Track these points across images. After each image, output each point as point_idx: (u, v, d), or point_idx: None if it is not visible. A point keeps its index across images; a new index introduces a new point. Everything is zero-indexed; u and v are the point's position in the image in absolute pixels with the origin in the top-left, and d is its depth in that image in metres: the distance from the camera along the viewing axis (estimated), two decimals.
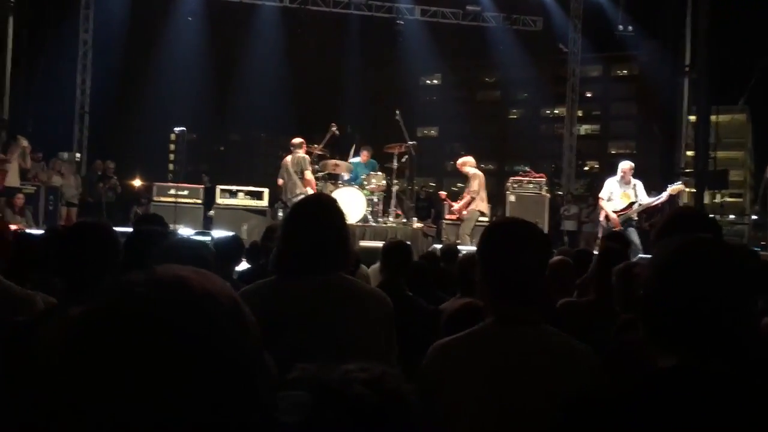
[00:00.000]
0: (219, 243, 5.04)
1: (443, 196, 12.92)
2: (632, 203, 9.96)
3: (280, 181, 11.15)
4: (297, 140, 11.19)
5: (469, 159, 11.31)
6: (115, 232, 2.42)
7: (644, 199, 10.01)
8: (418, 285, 4.39)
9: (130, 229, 3.14)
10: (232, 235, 5.58)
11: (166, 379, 0.74)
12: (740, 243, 10.19)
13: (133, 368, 0.74)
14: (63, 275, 2.30)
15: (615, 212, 9.98)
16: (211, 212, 12.41)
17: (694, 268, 1.28)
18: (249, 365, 0.82)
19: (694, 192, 14.13)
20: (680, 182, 10.38)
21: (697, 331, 1.24)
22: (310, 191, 10.40)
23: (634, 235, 9.55)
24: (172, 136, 16.57)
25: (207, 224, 12.29)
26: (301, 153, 11.00)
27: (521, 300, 1.87)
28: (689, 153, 16.10)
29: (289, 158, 11.05)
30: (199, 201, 12.65)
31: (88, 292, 2.20)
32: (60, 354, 0.77)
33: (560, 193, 18.65)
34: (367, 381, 1.00)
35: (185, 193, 12.49)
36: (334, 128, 11.76)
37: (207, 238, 4.79)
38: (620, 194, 10.05)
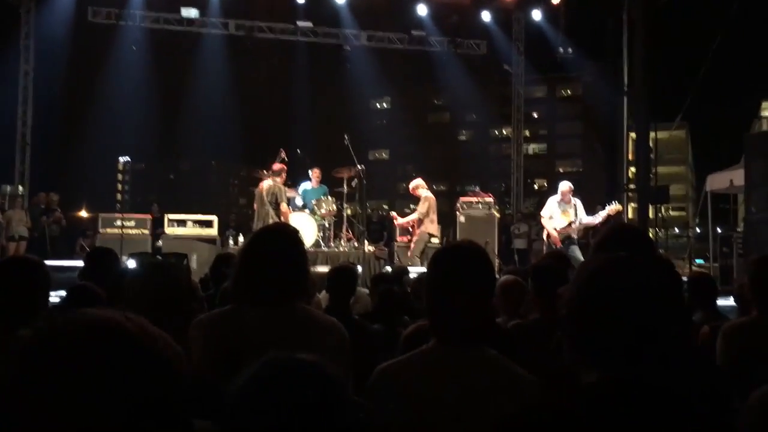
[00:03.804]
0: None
1: (394, 217, 12.99)
2: (572, 222, 10.21)
3: (256, 206, 10.90)
4: (277, 167, 10.88)
5: (420, 182, 11.44)
6: (45, 267, 2.36)
7: (583, 218, 10.29)
8: (385, 310, 4.39)
9: (76, 263, 3.08)
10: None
11: (78, 405, 0.78)
12: (664, 257, 10.60)
13: (47, 393, 0.78)
14: None
15: (555, 230, 10.21)
16: (159, 242, 12.20)
17: (610, 285, 1.31)
18: (161, 401, 0.83)
19: (637, 207, 14.48)
20: (616, 203, 10.68)
21: (615, 346, 1.27)
22: None
23: (577, 251, 9.77)
24: (119, 167, 16.26)
25: (156, 255, 12.06)
26: (278, 181, 10.65)
27: (463, 323, 1.88)
28: (632, 169, 16.53)
29: (264, 185, 10.71)
30: (147, 231, 12.45)
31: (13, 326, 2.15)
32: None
33: (510, 212, 18.92)
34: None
35: (132, 223, 12.27)
36: (283, 154, 11.71)
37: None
38: (560, 213, 10.30)
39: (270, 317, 2.24)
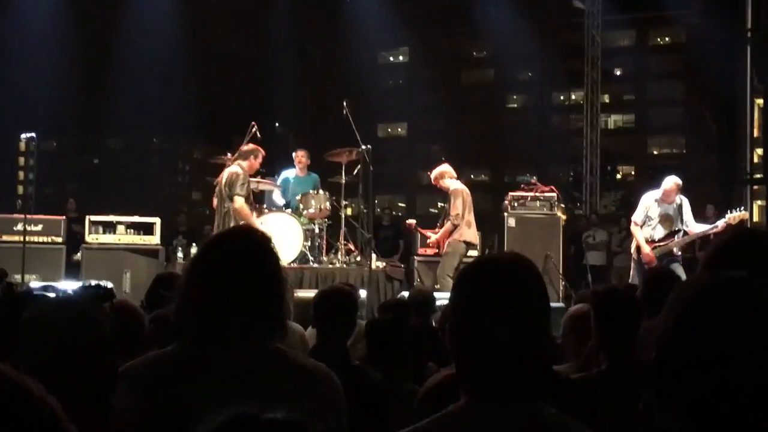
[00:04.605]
0: None
1: (412, 226, 12.89)
2: (675, 231, 10.17)
3: (215, 202, 10.85)
4: (247, 147, 10.86)
5: (446, 169, 11.38)
6: None
7: (692, 226, 10.24)
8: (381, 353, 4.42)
9: None
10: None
11: None
12: None
13: None
14: None
15: (651, 242, 10.16)
16: (78, 255, 12.27)
17: (721, 316, 1.30)
18: None
19: (765, 205, 14.44)
20: (741, 209, 10.62)
21: (726, 405, 1.25)
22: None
23: (679, 270, 9.71)
24: (21, 146, 16.36)
25: (72, 273, 12.13)
26: (244, 166, 10.46)
27: (505, 369, 1.88)
28: (758, 151, 16.48)
29: (225, 173, 10.61)
30: (60, 239, 12.52)
31: None
32: None
33: (581, 212, 18.91)
34: None
35: (39, 228, 12.34)
36: (254, 129, 11.75)
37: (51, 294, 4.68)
38: (659, 218, 10.25)
39: (228, 362, 2.24)
